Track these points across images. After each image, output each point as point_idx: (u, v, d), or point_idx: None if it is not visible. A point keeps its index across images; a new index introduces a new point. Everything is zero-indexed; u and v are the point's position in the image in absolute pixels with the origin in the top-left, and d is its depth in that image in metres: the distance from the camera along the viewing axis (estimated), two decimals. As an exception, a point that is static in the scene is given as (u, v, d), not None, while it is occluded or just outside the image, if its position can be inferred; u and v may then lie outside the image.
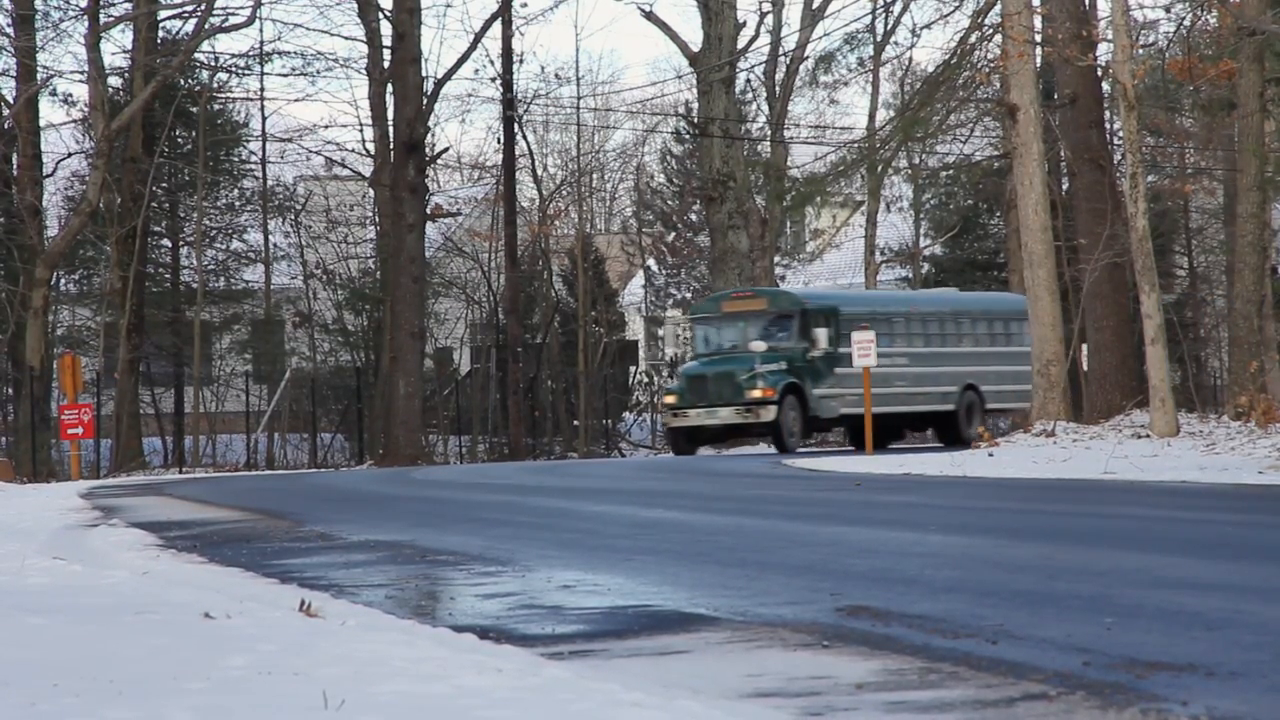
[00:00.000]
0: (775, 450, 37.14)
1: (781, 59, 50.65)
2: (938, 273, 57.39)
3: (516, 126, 48.04)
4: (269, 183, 50.71)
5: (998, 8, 34.20)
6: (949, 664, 5.60)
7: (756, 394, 35.97)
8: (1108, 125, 38.24)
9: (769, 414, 36.07)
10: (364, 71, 45.30)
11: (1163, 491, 15.74)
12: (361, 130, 49.45)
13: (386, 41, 43.41)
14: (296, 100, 77.08)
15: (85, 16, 42.56)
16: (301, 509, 16.66)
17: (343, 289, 51.40)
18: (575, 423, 49.26)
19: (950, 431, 40.12)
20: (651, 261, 63.39)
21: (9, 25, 42.85)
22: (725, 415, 36.26)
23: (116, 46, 59.36)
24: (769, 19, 49.79)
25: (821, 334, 36.75)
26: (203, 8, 42.92)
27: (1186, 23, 33.37)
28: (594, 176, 67.79)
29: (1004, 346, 41.30)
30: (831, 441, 48.77)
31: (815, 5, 49.67)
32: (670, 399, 37.52)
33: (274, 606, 7.63)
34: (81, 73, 43.10)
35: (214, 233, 49.39)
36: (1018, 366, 40.70)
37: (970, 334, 41.06)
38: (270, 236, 50.65)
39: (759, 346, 36.41)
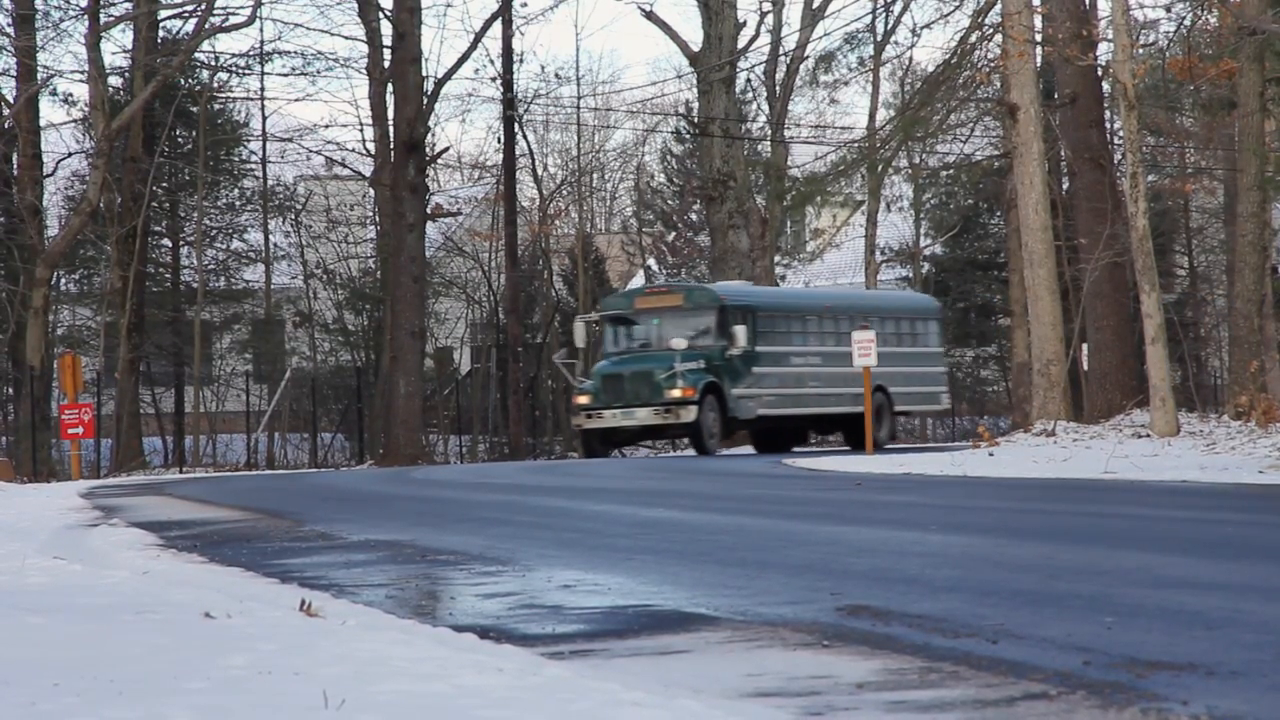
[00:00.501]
0: (694, 453, 35.94)
1: (782, 59, 50.67)
2: (938, 272, 57.43)
3: (517, 126, 48.05)
4: (269, 182, 50.73)
5: (998, 7, 34.21)
6: (949, 663, 5.60)
7: (676, 394, 34.61)
8: (1108, 125, 38.24)
9: (689, 414, 34.73)
10: (364, 71, 45.31)
11: (1163, 491, 15.74)
12: (362, 130, 49.52)
13: (387, 41, 43.42)
14: (297, 100, 77.07)
15: (85, 16, 42.57)
16: (301, 509, 16.66)
17: (343, 289, 51.42)
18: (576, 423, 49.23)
19: (860, 435, 38.15)
20: (652, 261, 63.38)
21: (9, 25, 42.87)
22: (643, 416, 34.85)
23: (117, 46, 59.41)
24: (769, 19, 49.83)
25: (740, 332, 35.46)
26: (203, 7, 42.93)
27: (1187, 22, 33.39)
28: (594, 176, 67.81)
29: (911, 347, 40.25)
30: (832, 441, 48.80)
31: (815, 5, 49.68)
32: (583, 399, 35.68)
33: (274, 606, 7.63)
34: (82, 72, 43.13)
35: (214, 232, 49.41)
36: (926, 368, 40.59)
37: (880, 334, 39.24)
38: (270, 236, 50.67)
39: (679, 344, 34.92)
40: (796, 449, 38.97)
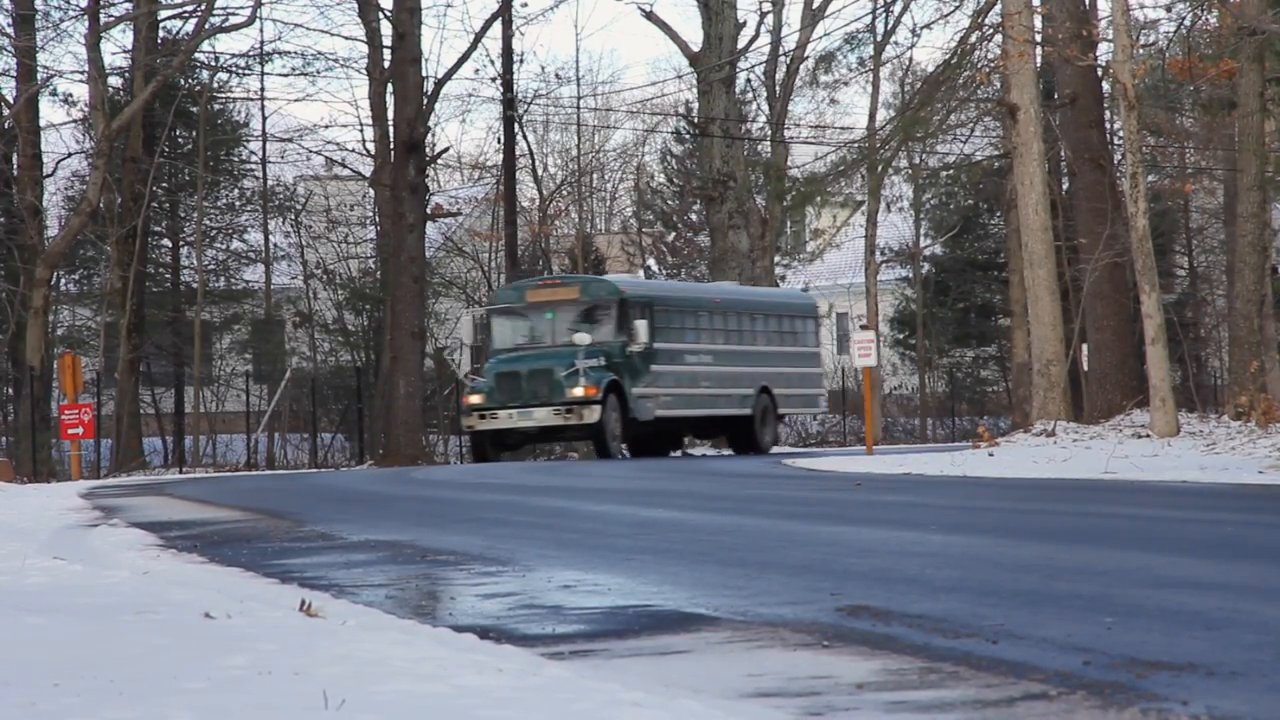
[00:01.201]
0: (596, 455, 34.16)
1: (782, 59, 50.69)
2: (938, 272, 57.45)
3: (517, 126, 48.05)
4: (269, 183, 50.74)
5: (998, 7, 34.21)
6: (949, 664, 5.60)
7: (578, 392, 32.48)
8: (1108, 125, 38.24)
9: (592, 415, 32.59)
10: (364, 71, 45.29)
11: (1163, 491, 15.74)
12: (362, 130, 49.47)
13: (387, 41, 43.41)
14: (297, 100, 77.16)
15: (85, 16, 42.57)
16: (302, 509, 16.66)
17: (343, 289, 51.41)
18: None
19: (745, 438, 37.11)
20: (652, 261, 63.40)
21: (9, 25, 42.87)
22: (542, 416, 32.60)
23: (117, 46, 59.41)
24: (769, 19, 49.86)
25: (641, 327, 33.47)
26: (203, 8, 42.93)
27: (1187, 22, 33.38)
28: (594, 176, 67.82)
29: (793, 346, 38.79)
30: (832, 441, 48.79)
31: (815, 5, 49.70)
32: (476, 398, 33.23)
33: (274, 606, 7.63)
34: (82, 72, 43.13)
35: (214, 233, 49.41)
36: (806, 369, 39.05)
37: (764, 332, 38.11)
38: (270, 236, 50.68)
39: (583, 339, 32.85)
40: (674, 453, 37.50)
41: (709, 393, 35.86)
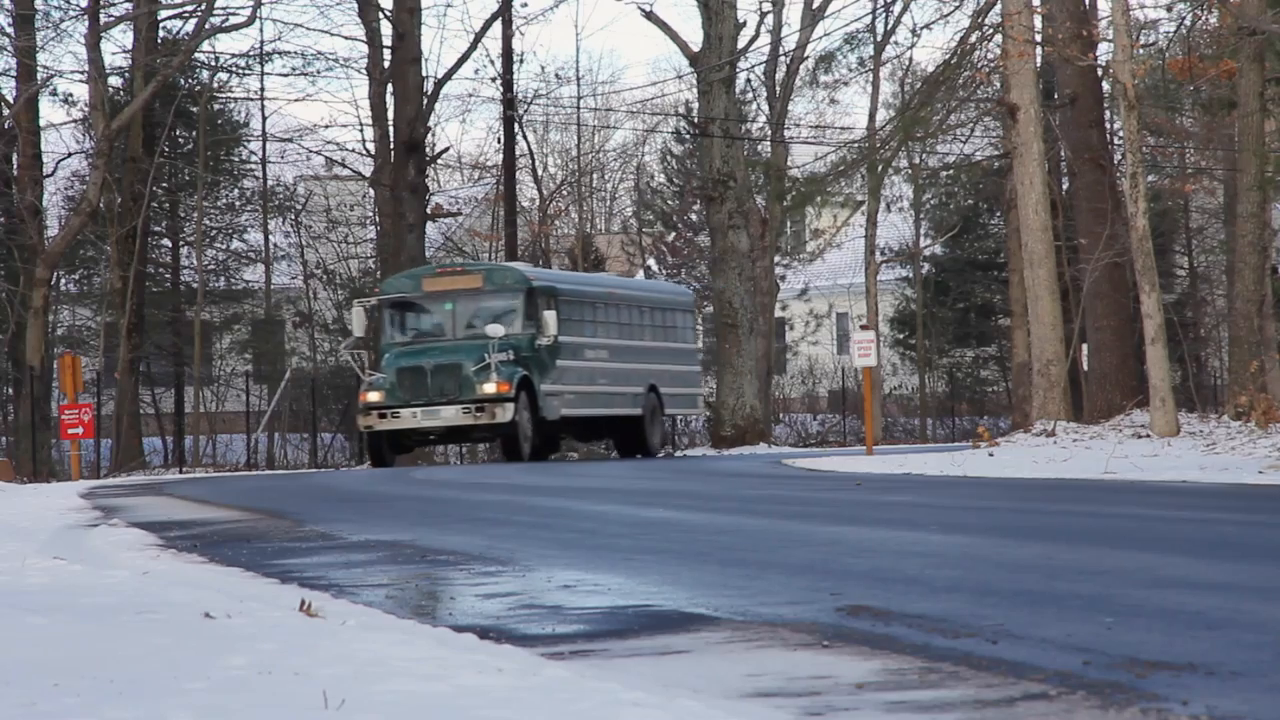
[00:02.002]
0: (505, 458, 31.86)
1: (782, 59, 50.70)
2: (938, 272, 57.47)
3: (517, 126, 48.06)
4: (269, 183, 50.76)
5: (998, 7, 34.21)
6: (949, 663, 5.60)
7: (491, 389, 30.06)
8: (1108, 125, 38.24)
9: (505, 413, 30.17)
10: (364, 71, 45.32)
11: (1163, 491, 15.74)
12: (362, 130, 49.50)
13: (387, 41, 43.44)
14: (297, 100, 77.11)
15: (85, 16, 42.59)
16: (302, 509, 16.65)
17: (343, 289, 51.41)
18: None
19: (635, 440, 35.11)
20: (652, 261, 63.40)
21: (9, 25, 42.91)
22: (450, 416, 30.15)
23: (117, 46, 59.41)
24: (769, 19, 49.88)
25: (550, 318, 31.27)
26: (203, 8, 42.95)
27: (1187, 22, 33.37)
28: (594, 176, 67.85)
29: (676, 342, 37.01)
30: (832, 441, 48.79)
31: (815, 5, 49.72)
32: (375, 396, 30.66)
33: (274, 606, 7.63)
34: (82, 72, 43.16)
35: (214, 232, 49.42)
36: (687, 366, 37.35)
37: (650, 326, 36.09)
38: (270, 236, 50.70)
39: (497, 331, 30.30)
40: (552, 456, 35.27)
41: (606, 390, 33.92)
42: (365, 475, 28.93)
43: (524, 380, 30.71)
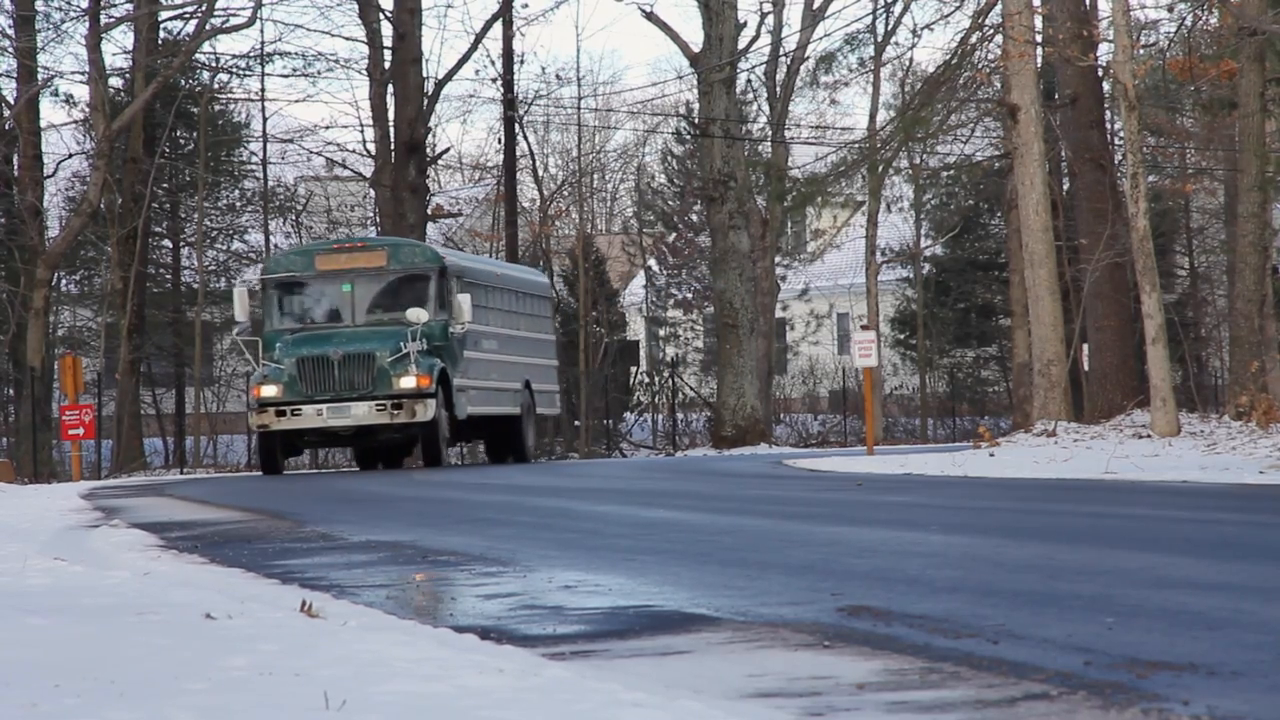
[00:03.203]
0: (425, 463, 28.55)
1: (782, 59, 50.71)
2: (939, 273, 57.48)
3: (517, 127, 48.05)
4: (270, 183, 50.74)
5: (998, 8, 34.21)
6: (950, 664, 5.60)
7: (410, 383, 26.63)
8: (1108, 125, 38.25)
9: (426, 411, 26.72)
10: (365, 72, 45.32)
11: (1164, 491, 15.74)
12: (362, 131, 49.45)
13: (387, 42, 43.43)
14: (297, 101, 77.48)
15: (86, 17, 42.58)
16: (302, 509, 16.65)
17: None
18: (576, 423, 49.25)
19: (508, 442, 31.69)
20: (652, 262, 63.40)
21: (10, 26, 42.91)
22: (362, 414, 26.62)
23: (117, 47, 59.41)
24: (770, 19, 49.90)
25: (465, 303, 27.90)
26: (203, 9, 42.95)
27: (1187, 23, 33.37)
28: (595, 177, 67.84)
29: (543, 334, 33.72)
30: (833, 441, 48.78)
31: (816, 5, 49.75)
32: (271, 390, 26.83)
33: (275, 607, 7.63)
34: (82, 73, 43.14)
35: (215, 233, 49.43)
36: (550, 361, 34.12)
37: (524, 315, 32.61)
38: (271, 237, 50.67)
39: (419, 316, 26.86)
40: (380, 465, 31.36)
41: (496, 387, 30.61)
42: (366, 475, 28.89)
43: (442, 374, 27.31)
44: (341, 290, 27.88)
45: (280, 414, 26.85)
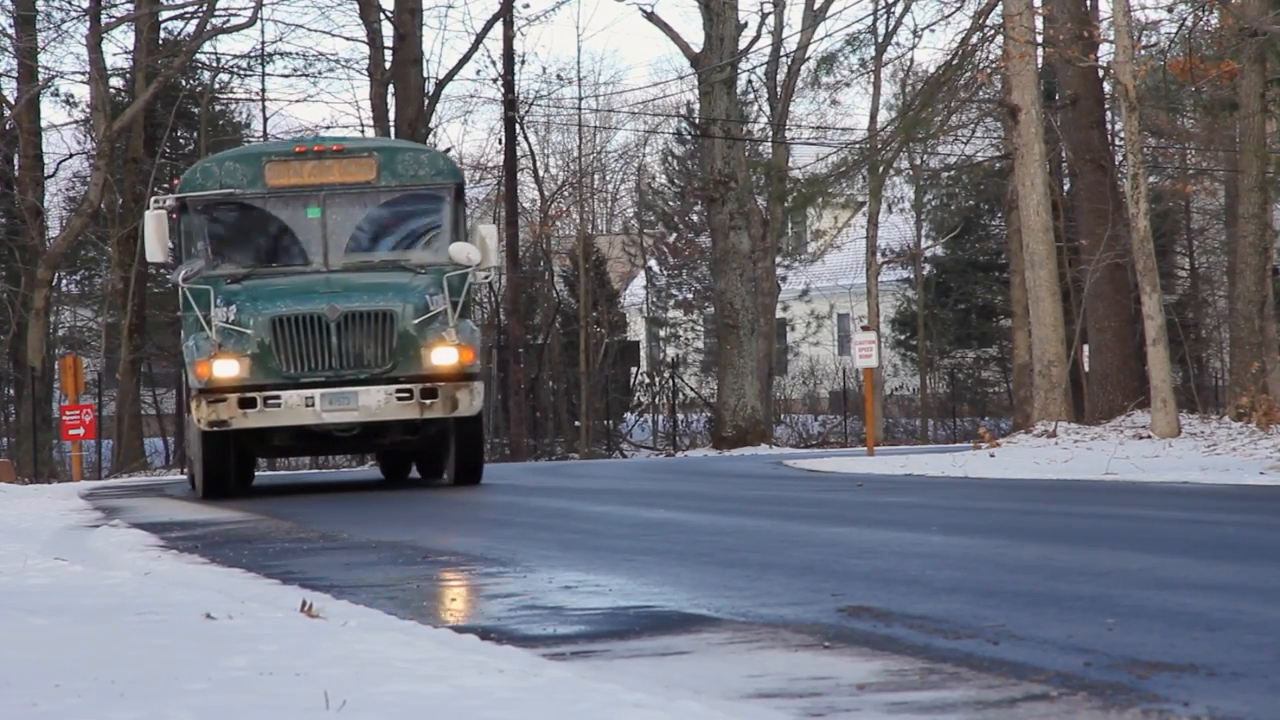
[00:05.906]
0: (456, 475, 20.03)
1: (783, 60, 50.72)
2: (939, 273, 57.48)
3: (518, 127, 48.05)
4: (270, 183, 50.69)
5: (999, 9, 34.21)
6: (950, 664, 5.60)
7: (448, 358, 18.31)
8: (1109, 126, 38.26)
9: (472, 400, 18.43)
10: (365, 72, 45.32)
11: (1164, 492, 15.73)
12: (363, 131, 49.45)
13: (388, 42, 43.43)
14: (298, 101, 77.37)
15: (87, 17, 42.59)
16: (303, 510, 16.65)
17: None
18: (577, 423, 49.25)
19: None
20: (653, 262, 63.40)
21: (10, 26, 42.90)
22: (375, 404, 18.14)
23: (118, 47, 59.41)
24: (770, 20, 49.91)
25: (490, 238, 19.24)
26: (204, 9, 42.94)
27: (1188, 23, 33.37)
28: (595, 177, 67.85)
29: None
30: (834, 442, 48.78)
31: (817, 6, 49.75)
32: (228, 367, 18.04)
33: (275, 607, 7.63)
34: (83, 73, 43.13)
35: (215, 233, 49.42)
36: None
37: None
38: (271, 237, 50.68)
39: (467, 255, 18.88)
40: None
41: None
42: (366, 475, 28.84)
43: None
44: (306, 216, 19.07)
45: (247, 404, 18.04)
